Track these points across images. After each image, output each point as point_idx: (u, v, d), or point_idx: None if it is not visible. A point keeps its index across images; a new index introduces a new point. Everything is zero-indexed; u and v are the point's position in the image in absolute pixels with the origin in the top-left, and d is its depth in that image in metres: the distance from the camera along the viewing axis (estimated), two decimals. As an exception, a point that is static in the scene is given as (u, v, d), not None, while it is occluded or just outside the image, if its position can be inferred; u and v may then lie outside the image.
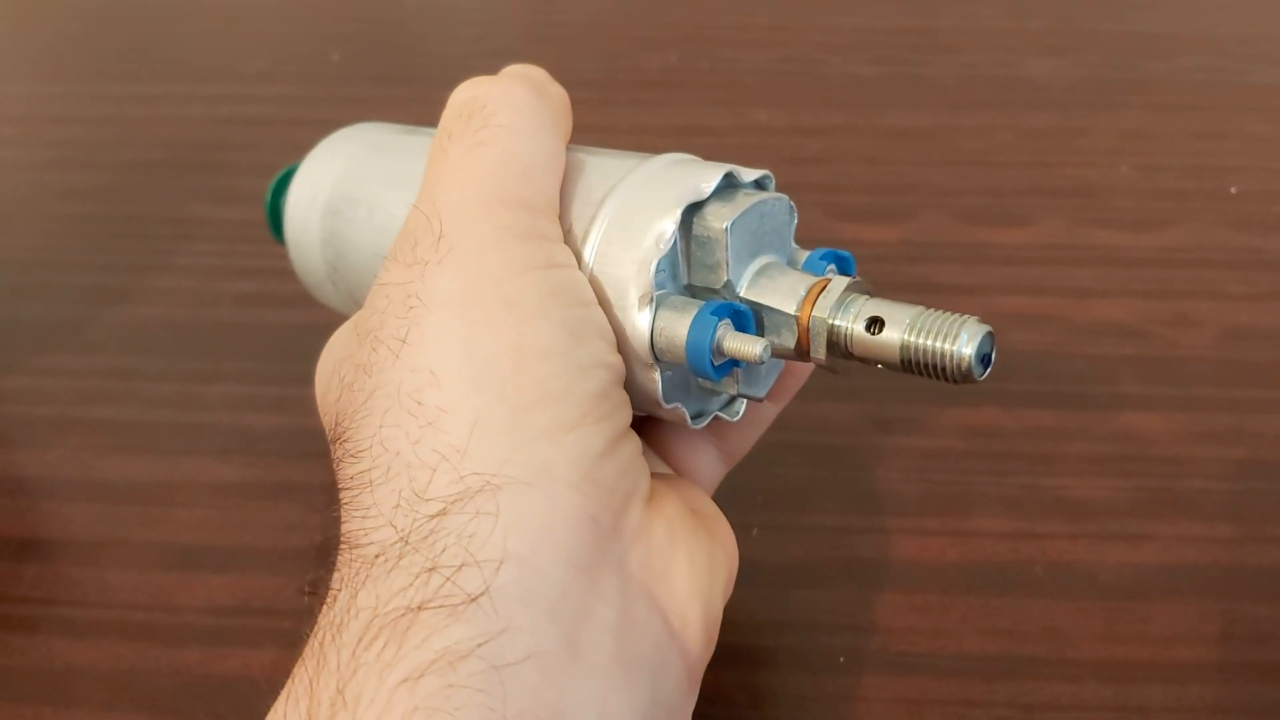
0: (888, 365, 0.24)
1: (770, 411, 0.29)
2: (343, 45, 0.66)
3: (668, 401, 0.25)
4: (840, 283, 0.24)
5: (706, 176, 0.25)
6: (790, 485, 0.36)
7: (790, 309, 0.24)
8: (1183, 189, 0.50)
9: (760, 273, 0.25)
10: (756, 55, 0.62)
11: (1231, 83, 0.58)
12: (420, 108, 0.60)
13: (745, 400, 0.27)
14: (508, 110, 0.25)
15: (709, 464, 0.29)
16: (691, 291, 0.25)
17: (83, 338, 0.44)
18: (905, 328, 0.23)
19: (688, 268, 0.25)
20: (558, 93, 0.27)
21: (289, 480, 0.37)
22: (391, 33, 0.69)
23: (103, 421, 0.40)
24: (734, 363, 0.25)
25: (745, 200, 0.25)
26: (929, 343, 0.23)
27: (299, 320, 0.44)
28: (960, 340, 0.23)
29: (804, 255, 0.27)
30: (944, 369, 0.23)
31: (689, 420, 0.26)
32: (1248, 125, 0.54)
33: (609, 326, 0.24)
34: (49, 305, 0.46)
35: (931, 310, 0.23)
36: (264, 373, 0.41)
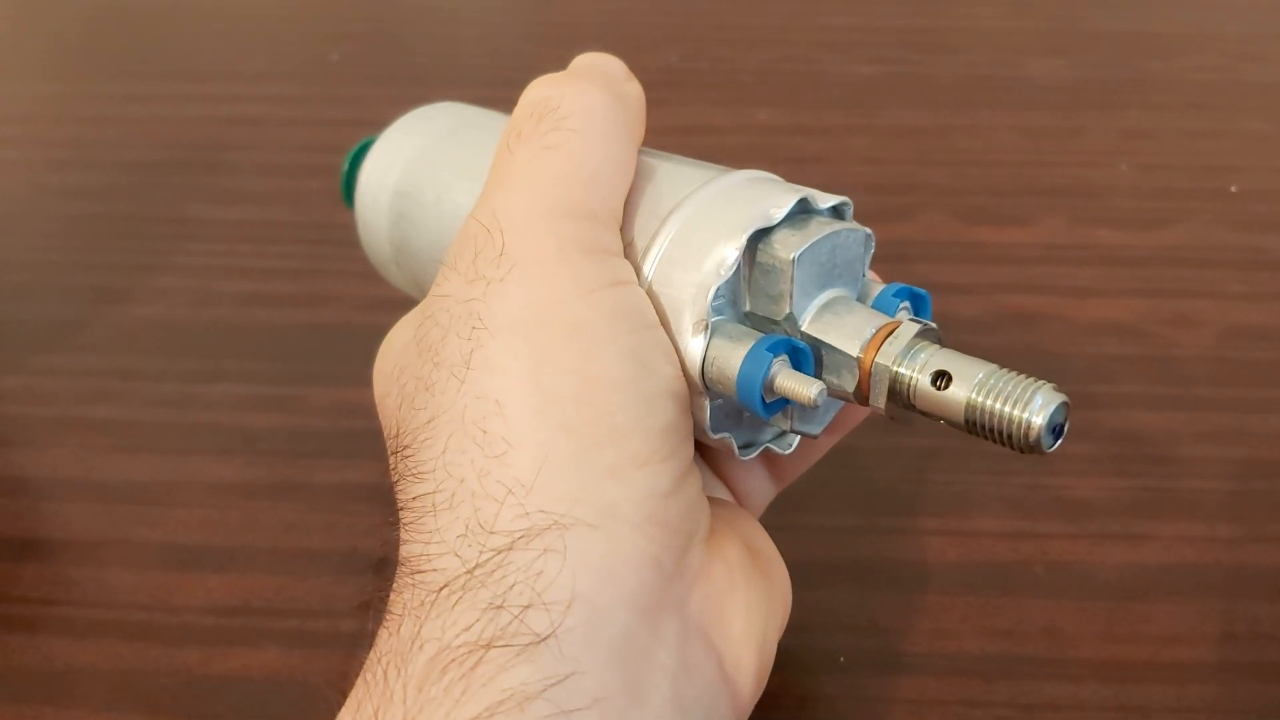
0: (950, 423, 0.22)
1: (826, 443, 0.28)
2: (343, 45, 0.66)
3: (715, 431, 0.24)
4: (910, 328, 0.23)
5: (779, 201, 0.24)
6: (791, 485, 0.36)
7: (853, 351, 0.23)
8: (1183, 188, 0.50)
9: (826, 307, 0.24)
10: (756, 55, 0.63)
11: (1231, 83, 0.58)
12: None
13: (799, 435, 0.26)
14: (581, 114, 0.24)
15: (760, 487, 0.29)
16: (751, 320, 0.24)
17: (83, 338, 0.44)
18: (974, 387, 0.22)
19: (749, 295, 0.24)
20: (634, 93, 0.26)
21: (289, 480, 0.37)
22: (391, 33, 0.69)
23: (103, 421, 0.40)
24: (787, 400, 0.23)
25: (818, 230, 0.24)
26: (998, 406, 0.21)
27: (299, 320, 0.44)
28: (1032, 408, 0.21)
29: (877, 289, 0.25)
30: (1010, 436, 0.21)
31: (736, 451, 0.25)
32: (1248, 125, 0.54)
33: (674, 351, 0.23)
34: (49, 305, 0.46)
35: (1004, 371, 0.22)
36: (264, 373, 0.41)
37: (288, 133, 0.56)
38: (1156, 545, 0.34)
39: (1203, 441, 0.37)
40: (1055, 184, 0.50)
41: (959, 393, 0.22)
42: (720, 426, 0.25)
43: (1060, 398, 0.21)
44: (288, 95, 0.61)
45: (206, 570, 0.34)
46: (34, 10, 0.73)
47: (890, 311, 0.25)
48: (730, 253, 0.23)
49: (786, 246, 0.23)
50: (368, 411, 0.39)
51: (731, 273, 0.23)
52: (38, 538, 0.36)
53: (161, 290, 0.46)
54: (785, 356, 0.23)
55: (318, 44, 0.66)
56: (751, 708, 0.24)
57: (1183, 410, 0.38)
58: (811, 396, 0.22)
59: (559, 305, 0.22)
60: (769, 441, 0.26)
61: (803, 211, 0.24)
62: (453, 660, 0.19)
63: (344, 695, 0.21)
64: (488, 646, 0.19)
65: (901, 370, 0.23)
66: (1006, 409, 0.21)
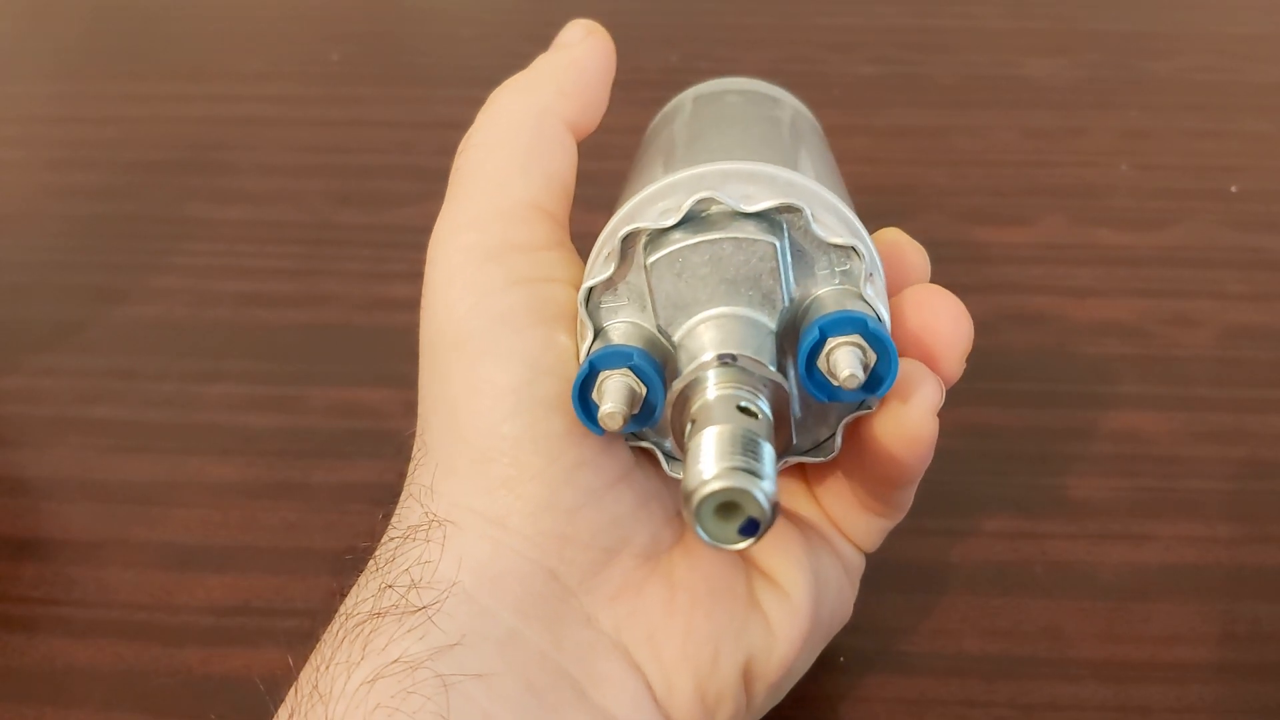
0: None
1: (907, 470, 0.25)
2: (343, 45, 0.66)
3: (629, 440, 0.23)
4: (708, 362, 0.20)
5: (678, 204, 0.21)
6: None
7: (680, 383, 0.20)
8: (1183, 189, 0.50)
9: (706, 323, 0.21)
10: (756, 55, 0.62)
11: (1231, 83, 0.58)
12: (420, 107, 0.59)
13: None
14: (484, 127, 0.26)
15: (849, 516, 0.27)
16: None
17: (83, 338, 0.44)
18: (689, 445, 0.17)
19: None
20: (569, 59, 0.28)
21: (289, 480, 0.37)
22: (391, 33, 0.69)
23: (103, 421, 0.40)
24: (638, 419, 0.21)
25: (703, 234, 0.21)
26: (686, 470, 0.17)
27: (299, 320, 0.44)
28: (700, 479, 0.16)
29: (818, 315, 0.21)
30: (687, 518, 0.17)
31: (665, 464, 0.23)
32: (1248, 125, 0.54)
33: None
34: (49, 305, 0.46)
35: (741, 437, 0.17)
36: (264, 373, 0.41)
37: (288, 133, 0.56)
38: (1156, 545, 0.34)
39: (1203, 441, 0.37)
40: (1055, 184, 0.50)
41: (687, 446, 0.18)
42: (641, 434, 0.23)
43: (735, 484, 0.16)
44: (288, 95, 0.61)
45: (206, 570, 0.34)
46: (35, 10, 0.73)
47: (818, 344, 0.21)
48: (603, 254, 0.22)
49: (654, 250, 0.21)
50: (368, 411, 0.39)
51: (608, 273, 0.21)
52: (38, 538, 0.36)
53: (161, 290, 0.46)
54: (626, 370, 0.21)
55: (318, 44, 0.66)
56: None
57: (1183, 410, 0.38)
58: (602, 414, 0.20)
59: (446, 320, 0.23)
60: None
61: (722, 213, 0.21)
62: (354, 627, 0.22)
63: None
64: (380, 616, 0.21)
65: (688, 411, 0.19)
66: (688, 473, 0.17)
